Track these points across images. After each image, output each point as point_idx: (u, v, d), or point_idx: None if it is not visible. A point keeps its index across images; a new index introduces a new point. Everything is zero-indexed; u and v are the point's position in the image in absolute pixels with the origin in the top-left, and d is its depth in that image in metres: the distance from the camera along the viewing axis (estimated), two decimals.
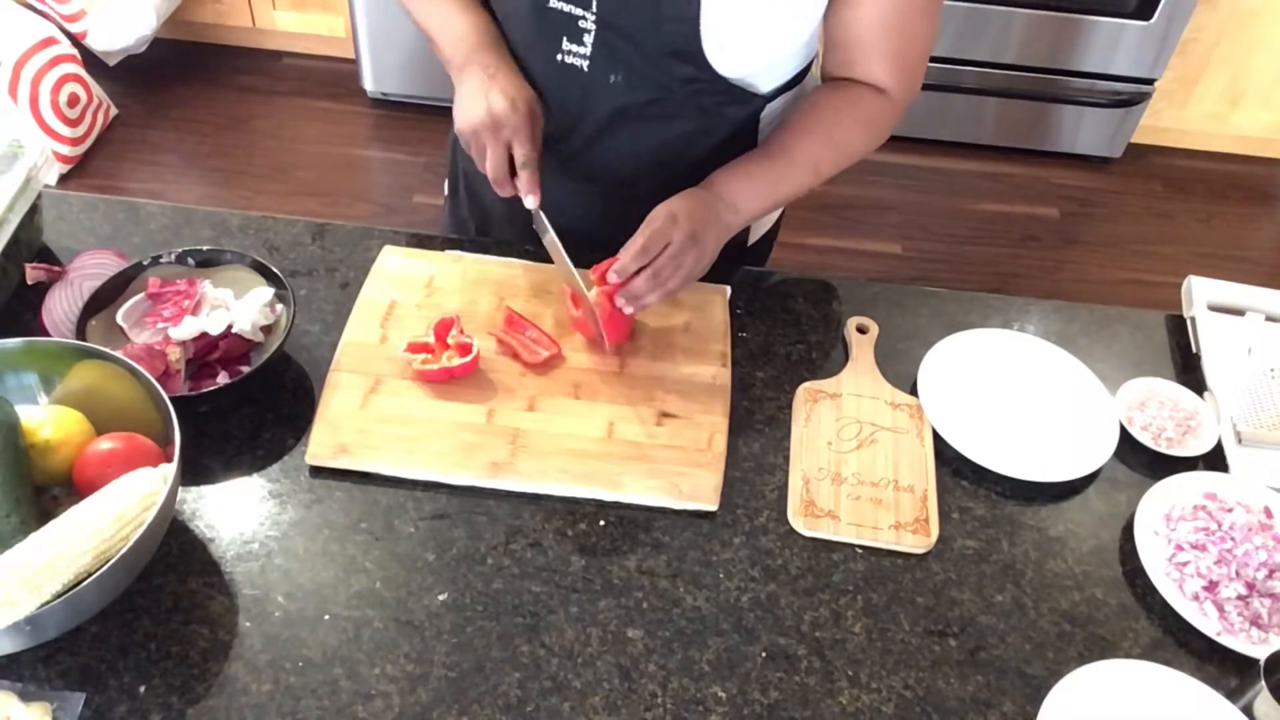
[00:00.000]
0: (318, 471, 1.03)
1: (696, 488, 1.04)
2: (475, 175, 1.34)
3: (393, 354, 1.11)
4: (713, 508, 1.04)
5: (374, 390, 1.08)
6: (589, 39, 1.08)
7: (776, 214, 1.38)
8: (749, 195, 1.12)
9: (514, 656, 0.92)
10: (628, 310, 1.08)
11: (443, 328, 1.11)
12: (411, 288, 1.18)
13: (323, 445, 1.03)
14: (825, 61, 1.16)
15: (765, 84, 1.15)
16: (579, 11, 1.06)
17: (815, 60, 1.25)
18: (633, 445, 1.06)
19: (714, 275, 1.16)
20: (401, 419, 1.06)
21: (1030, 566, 1.03)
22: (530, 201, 1.09)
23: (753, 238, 1.36)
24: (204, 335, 1.07)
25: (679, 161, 1.19)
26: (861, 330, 1.21)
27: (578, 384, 1.11)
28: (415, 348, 1.11)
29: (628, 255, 1.06)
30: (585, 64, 1.10)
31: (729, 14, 1.03)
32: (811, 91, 1.18)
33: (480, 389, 1.10)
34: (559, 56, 1.11)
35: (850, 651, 0.95)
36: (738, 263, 1.28)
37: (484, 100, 1.07)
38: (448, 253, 1.24)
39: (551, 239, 1.12)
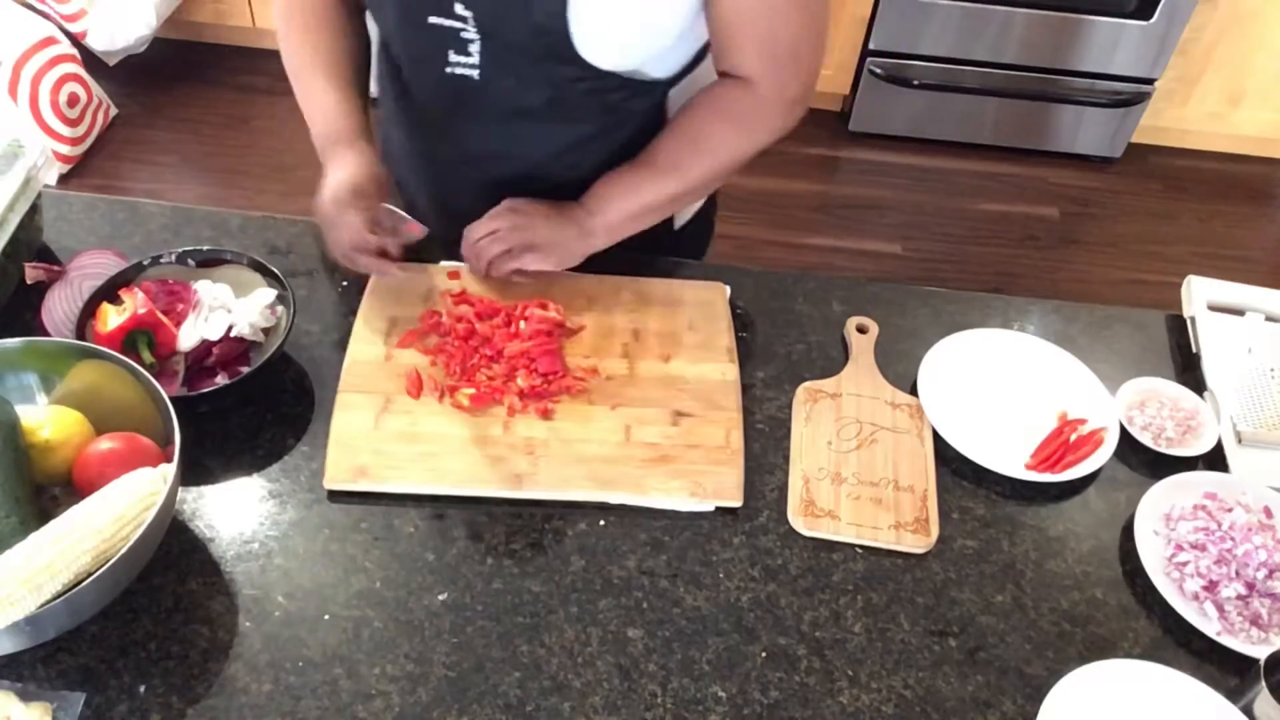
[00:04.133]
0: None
1: (720, 485, 1.04)
2: (404, 184, 1.34)
3: (400, 371, 1.11)
4: (737, 504, 1.04)
5: (385, 409, 1.07)
6: (475, 49, 1.08)
7: (698, 203, 1.36)
8: (607, 198, 1.16)
9: (514, 656, 0.92)
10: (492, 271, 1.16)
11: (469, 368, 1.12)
12: (410, 303, 1.18)
13: (340, 469, 1.02)
14: (711, 52, 1.15)
15: (658, 71, 1.14)
16: (458, 25, 1.06)
17: None
18: (652, 447, 1.06)
19: (663, 269, 1.17)
20: (417, 436, 1.05)
21: (1030, 566, 1.03)
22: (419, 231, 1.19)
23: (679, 222, 1.35)
24: (204, 342, 1.07)
25: (586, 161, 1.19)
26: (861, 330, 1.21)
27: (589, 389, 1.11)
28: (412, 338, 1.13)
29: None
30: (476, 73, 1.10)
31: (596, 13, 1.02)
32: (687, 99, 1.18)
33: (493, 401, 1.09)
34: (448, 69, 1.10)
35: (850, 651, 0.95)
36: (671, 250, 1.30)
37: (334, 185, 1.10)
38: (442, 264, 1.23)
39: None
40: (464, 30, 1.06)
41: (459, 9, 1.05)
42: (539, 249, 1.15)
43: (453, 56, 1.09)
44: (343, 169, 1.11)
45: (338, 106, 1.16)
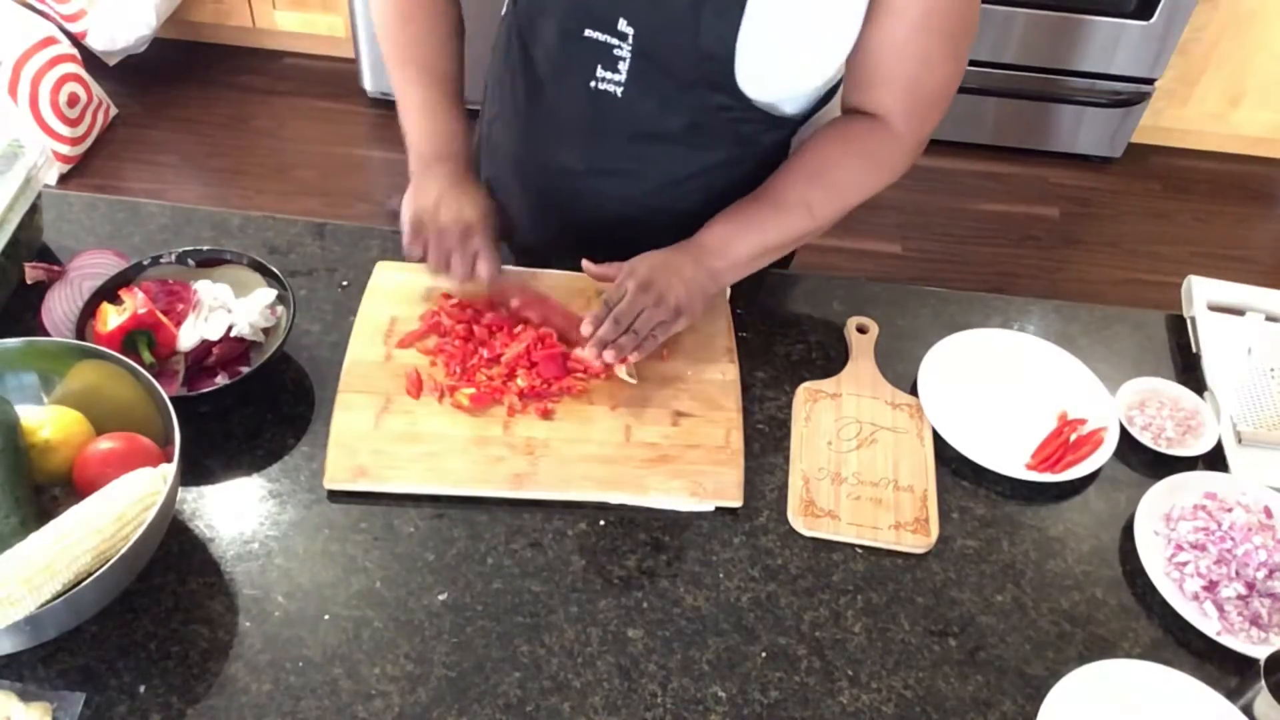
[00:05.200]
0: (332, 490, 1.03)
1: (720, 485, 1.04)
2: (501, 186, 1.33)
3: (399, 371, 1.11)
4: (737, 504, 1.04)
5: (385, 410, 1.07)
6: (624, 66, 1.08)
7: None
8: (733, 239, 1.12)
9: (514, 656, 0.92)
10: (608, 357, 1.05)
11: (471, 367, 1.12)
12: (410, 302, 1.17)
13: (340, 469, 1.02)
14: (844, 88, 1.15)
15: (792, 108, 1.15)
16: (614, 41, 1.06)
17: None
18: (652, 447, 1.07)
19: None
20: (417, 436, 1.05)
21: (1030, 566, 1.03)
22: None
23: None
24: (204, 342, 1.07)
25: (708, 189, 1.19)
26: (861, 330, 1.21)
27: (590, 389, 1.11)
28: (413, 338, 1.13)
29: (591, 311, 1.08)
30: (619, 90, 1.10)
31: (765, 46, 1.03)
32: (811, 134, 1.16)
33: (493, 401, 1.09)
34: (592, 84, 1.11)
35: (850, 651, 0.95)
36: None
37: (456, 203, 1.10)
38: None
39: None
40: (618, 47, 1.06)
41: (622, 25, 1.05)
42: (683, 311, 1.09)
43: (600, 71, 1.09)
44: (468, 198, 1.11)
45: (448, 126, 1.15)
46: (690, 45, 1.04)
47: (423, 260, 1.12)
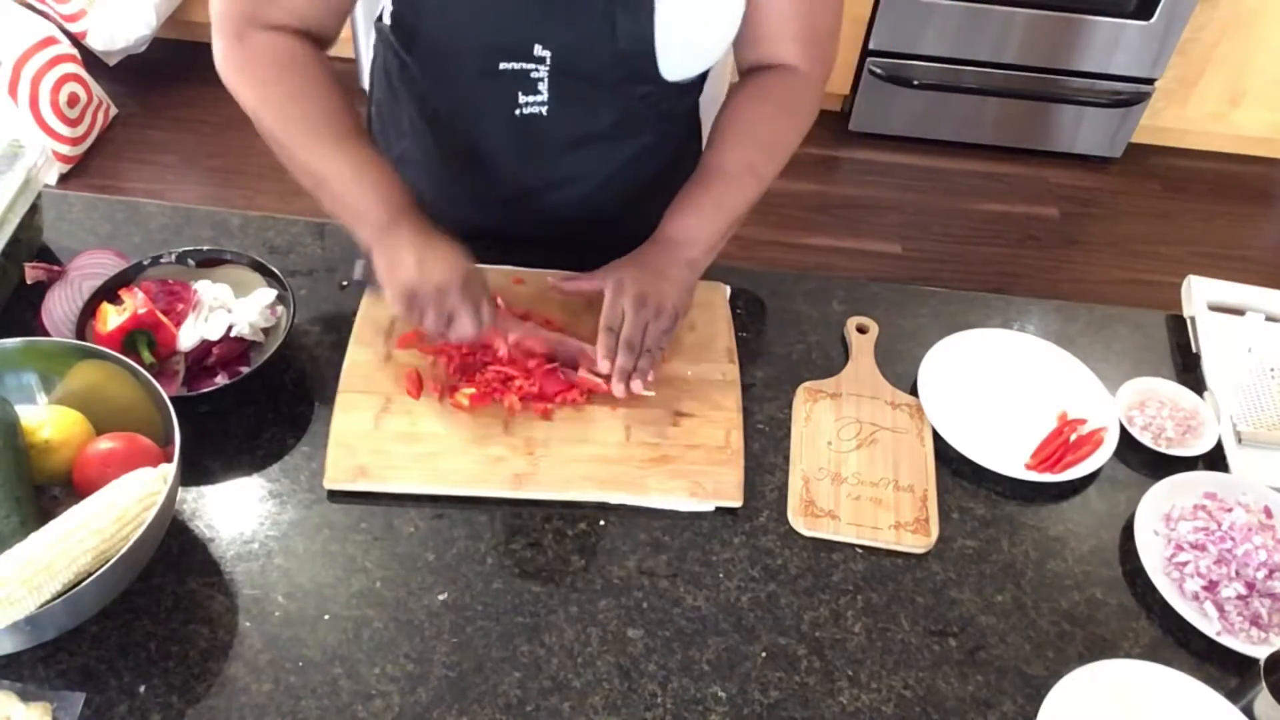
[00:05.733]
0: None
1: (720, 485, 1.04)
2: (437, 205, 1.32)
3: (399, 371, 1.10)
4: (737, 504, 1.04)
5: (385, 410, 1.07)
6: (544, 86, 1.08)
7: None
8: (699, 225, 1.11)
9: (514, 656, 0.92)
10: (636, 388, 1.04)
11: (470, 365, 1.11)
12: None
13: (340, 469, 1.02)
14: (737, 48, 1.15)
15: (702, 74, 1.16)
16: (531, 66, 1.06)
17: None
18: (652, 447, 1.07)
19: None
20: (417, 436, 1.05)
21: (1030, 566, 1.03)
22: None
23: None
24: (204, 342, 1.07)
25: (645, 171, 1.20)
26: (861, 330, 1.21)
27: (590, 389, 1.11)
28: (409, 339, 1.12)
29: (598, 340, 1.05)
30: (544, 109, 1.10)
31: (679, 32, 1.04)
32: (727, 97, 1.17)
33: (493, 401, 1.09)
34: (517, 111, 1.11)
35: (850, 651, 0.95)
36: None
37: (440, 259, 1.00)
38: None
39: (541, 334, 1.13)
40: (535, 71, 1.06)
41: (537, 50, 1.05)
42: (679, 312, 1.09)
43: (522, 98, 1.09)
44: (445, 250, 1.01)
45: (391, 180, 1.04)
46: (610, 52, 1.04)
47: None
